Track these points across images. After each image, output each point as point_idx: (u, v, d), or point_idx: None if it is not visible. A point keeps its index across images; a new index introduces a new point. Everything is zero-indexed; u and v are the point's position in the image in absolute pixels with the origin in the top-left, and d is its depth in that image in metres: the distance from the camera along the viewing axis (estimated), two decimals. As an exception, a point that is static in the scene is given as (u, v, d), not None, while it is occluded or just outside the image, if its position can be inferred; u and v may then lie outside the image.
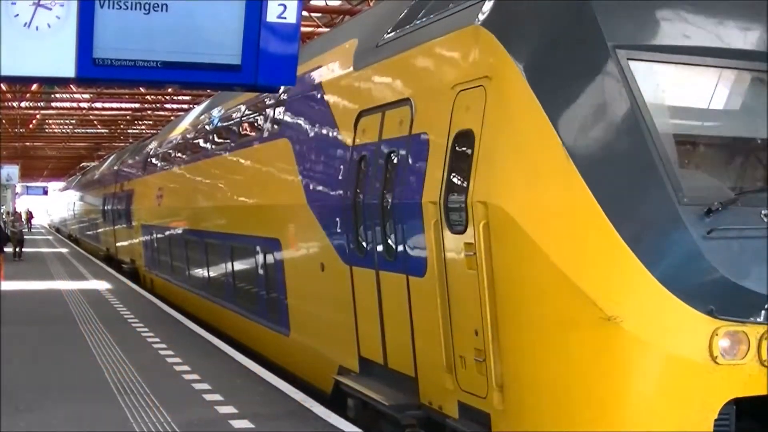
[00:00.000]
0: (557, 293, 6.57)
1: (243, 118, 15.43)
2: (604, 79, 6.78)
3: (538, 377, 6.82)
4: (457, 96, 7.72)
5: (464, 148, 7.51)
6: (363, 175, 9.51)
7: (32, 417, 9.66)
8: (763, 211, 6.47)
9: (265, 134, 13.59)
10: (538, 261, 6.66)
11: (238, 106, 15.60)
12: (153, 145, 26.60)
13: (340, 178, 10.11)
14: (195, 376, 11.66)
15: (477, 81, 7.45)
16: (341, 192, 10.00)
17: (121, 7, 5.94)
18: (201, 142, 18.97)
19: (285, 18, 6.17)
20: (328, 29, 22.77)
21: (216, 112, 17.99)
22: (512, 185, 6.96)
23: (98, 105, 47.63)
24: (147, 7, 5.98)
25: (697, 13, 7.04)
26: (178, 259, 20.16)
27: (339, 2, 25.41)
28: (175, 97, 43.36)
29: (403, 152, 8.62)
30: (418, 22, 9.04)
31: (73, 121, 55.71)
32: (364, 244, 9.41)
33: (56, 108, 48.83)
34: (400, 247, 8.59)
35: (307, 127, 11.54)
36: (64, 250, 45.66)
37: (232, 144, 15.79)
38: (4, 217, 49.54)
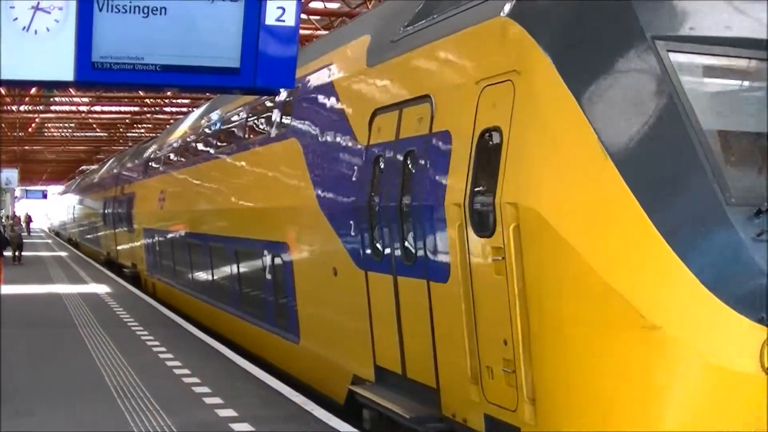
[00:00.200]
0: (595, 300, 6.15)
1: (249, 118, 14.99)
2: (642, 72, 6.37)
3: (575, 390, 6.39)
4: (482, 92, 7.31)
5: (491, 147, 7.09)
6: (379, 175, 9.10)
7: (32, 421, 9.65)
8: None
9: (273, 134, 13.16)
10: (574, 266, 6.24)
11: (244, 106, 15.15)
12: (155, 147, 26.13)
13: (353, 179, 9.69)
14: (195, 379, 11.63)
15: (504, 76, 7.03)
16: (355, 193, 9.58)
17: (119, 11, 5.92)
18: (205, 143, 18.49)
19: (284, 21, 6.13)
20: (326, 32, 22.63)
21: (221, 112, 17.50)
22: (545, 185, 6.53)
23: (97, 108, 47.82)
24: (146, 10, 5.96)
25: (741, 2, 6.62)
26: (182, 263, 19.72)
27: (338, 5, 25.32)
28: (174, 101, 43.38)
29: (422, 151, 8.20)
30: (437, 15, 8.62)
31: (72, 125, 55.85)
32: (381, 248, 8.99)
33: (55, 111, 48.99)
34: (420, 252, 8.17)
35: (317, 126, 11.12)
36: (63, 253, 45.58)
37: (239, 145, 15.31)
38: (3, 220, 49.28)
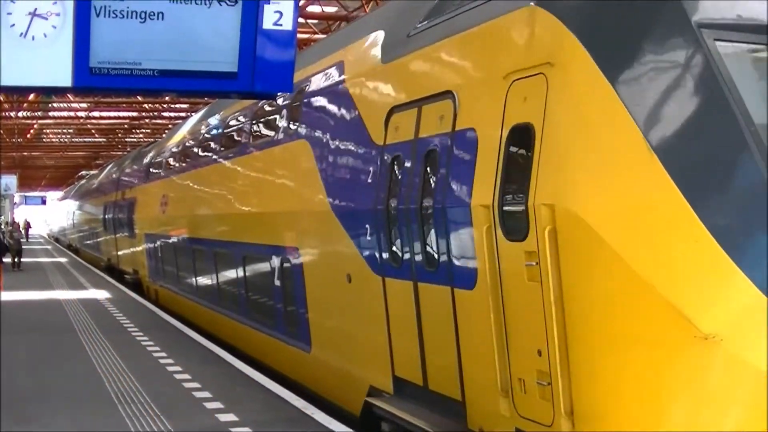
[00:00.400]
0: (642, 308, 5.69)
1: (256, 120, 14.52)
2: (688, 63, 5.92)
3: (619, 404, 5.94)
4: (510, 86, 6.86)
5: (522, 144, 6.64)
6: (397, 176, 8.65)
7: (32, 426, 9.62)
8: None
9: (281, 136, 12.69)
10: (617, 271, 5.78)
11: (251, 106, 14.65)
12: (158, 151, 25.59)
13: (369, 180, 9.24)
14: (195, 384, 11.58)
15: (536, 68, 6.58)
16: (371, 196, 9.13)
17: (117, 16, 5.95)
18: (210, 145, 17.96)
19: (281, 25, 6.17)
20: (324, 35, 22.48)
21: (227, 114, 16.97)
22: (584, 185, 6.07)
23: (96, 114, 47.89)
24: (143, 15, 5.98)
25: None
26: (186, 269, 19.23)
27: (335, 9, 25.17)
28: (172, 105, 43.21)
29: (445, 150, 7.74)
30: (457, 7, 8.17)
31: (71, 131, 55.83)
32: (400, 253, 8.54)
33: (54, 117, 49.08)
34: (444, 257, 7.71)
35: (329, 126, 10.67)
36: (63, 259, 45.36)
37: (246, 147, 14.82)
38: (2, 227, 48.96)
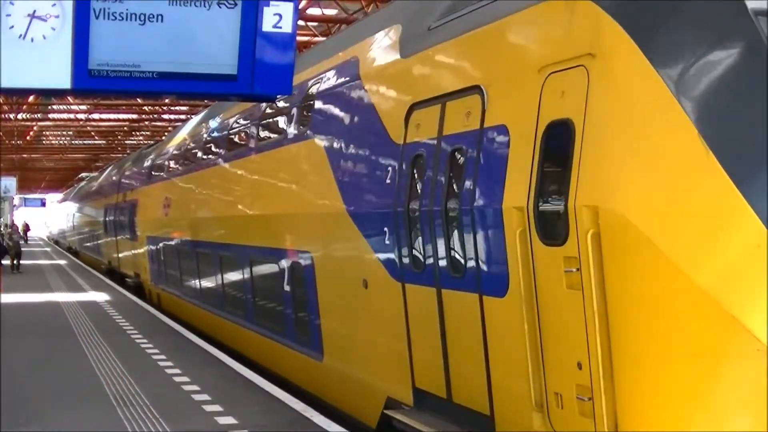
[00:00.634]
0: (697, 319, 5.25)
1: (265, 118, 14.04)
2: (745, 53, 5.48)
3: (669, 423, 5.48)
4: (546, 79, 6.41)
5: (560, 142, 6.17)
6: (418, 176, 8.19)
7: (31, 429, 9.59)
8: None
9: (291, 135, 12.22)
10: (669, 278, 5.33)
11: (259, 105, 14.15)
12: (161, 152, 25.07)
13: (387, 181, 8.78)
14: (194, 387, 11.56)
15: (575, 60, 6.13)
16: (389, 197, 8.67)
17: (116, 18, 5.94)
18: (217, 146, 17.47)
19: (281, 27, 6.16)
20: (324, 38, 22.33)
21: (234, 113, 16.45)
22: (632, 186, 5.62)
23: (95, 116, 47.78)
24: (142, 17, 5.97)
25: None
26: (190, 273, 18.74)
27: (335, 11, 24.86)
28: (172, 108, 42.95)
29: (472, 149, 7.28)
30: None
31: (71, 133, 55.66)
32: (422, 257, 8.08)
33: (53, 119, 48.95)
34: (471, 262, 7.25)
35: (343, 124, 10.21)
36: (62, 262, 45.09)
37: (254, 147, 14.33)
38: (1, 229, 48.62)
